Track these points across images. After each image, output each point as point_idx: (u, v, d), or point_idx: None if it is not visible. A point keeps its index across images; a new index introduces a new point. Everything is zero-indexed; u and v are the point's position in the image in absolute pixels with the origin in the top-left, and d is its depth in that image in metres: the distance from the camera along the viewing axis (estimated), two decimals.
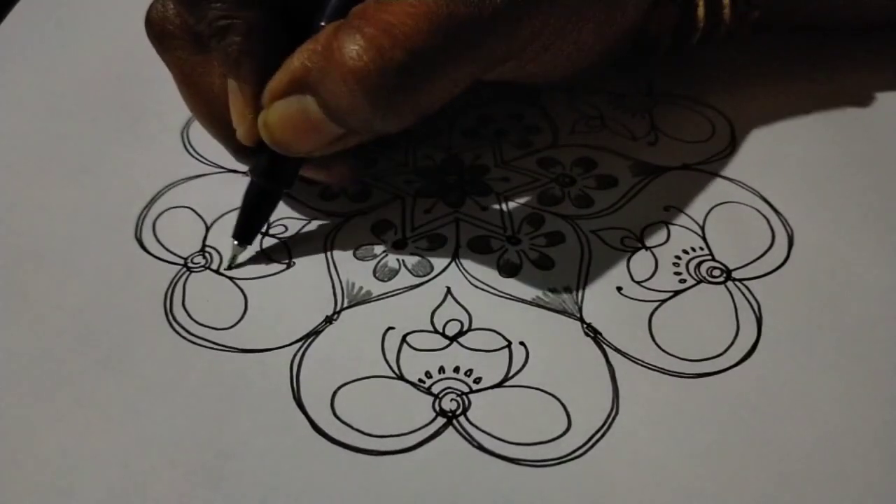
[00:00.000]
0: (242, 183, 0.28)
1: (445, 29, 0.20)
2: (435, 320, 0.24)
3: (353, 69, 0.20)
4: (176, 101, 0.32)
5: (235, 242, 0.25)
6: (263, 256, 0.26)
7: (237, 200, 0.26)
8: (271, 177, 0.25)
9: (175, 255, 0.26)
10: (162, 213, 0.27)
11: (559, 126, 0.31)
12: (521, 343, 0.23)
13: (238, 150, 0.25)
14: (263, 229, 0.27)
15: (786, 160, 0.29)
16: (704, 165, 0.29)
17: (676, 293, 0.25)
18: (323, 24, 0.22)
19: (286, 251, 0.26)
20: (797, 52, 0.34)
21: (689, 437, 0.21)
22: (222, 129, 0.25)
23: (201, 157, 0.30)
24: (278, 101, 0.22)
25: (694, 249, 0.26)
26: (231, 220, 0.27)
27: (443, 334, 0.24)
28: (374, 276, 0.25)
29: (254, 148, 0.24)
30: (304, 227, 0.27)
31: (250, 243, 0.26)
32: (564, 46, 0.25)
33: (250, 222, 0.25)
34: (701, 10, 0.29)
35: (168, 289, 0.25)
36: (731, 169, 0.29)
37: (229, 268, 0.26)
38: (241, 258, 0.26)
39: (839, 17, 0.32)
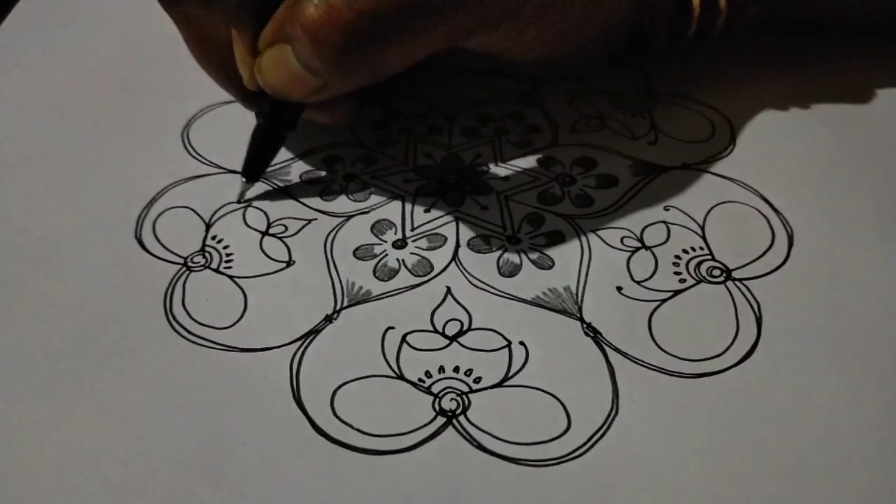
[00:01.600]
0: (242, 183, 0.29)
1: None
2: (435, 320, 0.24)
3: (305, 25, 0.22)
4: (176, 102, 0.32)
5: (244, 179, 0.28)
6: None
7: (237, 200, 0.26)
8: (275, 119, 0.26)
9: (175, 254, 0.26)
10: (162, 213, 0.27)
11: (559, 125, 0.31)
12: (521, 343, 0.23)
13: (244, 97, 0.27)
14: (263, 228, 0.27)
15: (786, 160, 0.29)
16: (704, 165, 0.29)
17: (676, 293, 0.25)
18: None
19: (286, 250, 0.26)
20: (797, 51, 0.34)
21: (689, 437, 0.21)
22: (229, 77, 0.27)
23: (201, 157, 0.30)
24: (268, 49, 0.24)
25: (694, 249, 0.26)
26: (231, 219, 0.27)
27: (443, 334, 0.24)
28: (374, 275, 0.25)
29: (259, 94, 0.26)
30: (304, 226, 0.27)
31: (257, 180, 0.28)
32: (548, 27, 0.26)
33: (257, 161, 0.27)
34: (696, 1, 0.29)
35: (168, 288, 0.25)
36: (731, 168, 0.29)
37: (238, 202, 0.28)
38: (249, 194, 0.28)
39: (836, 14, 0.32)
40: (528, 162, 0.29)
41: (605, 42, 0.29)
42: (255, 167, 0.28)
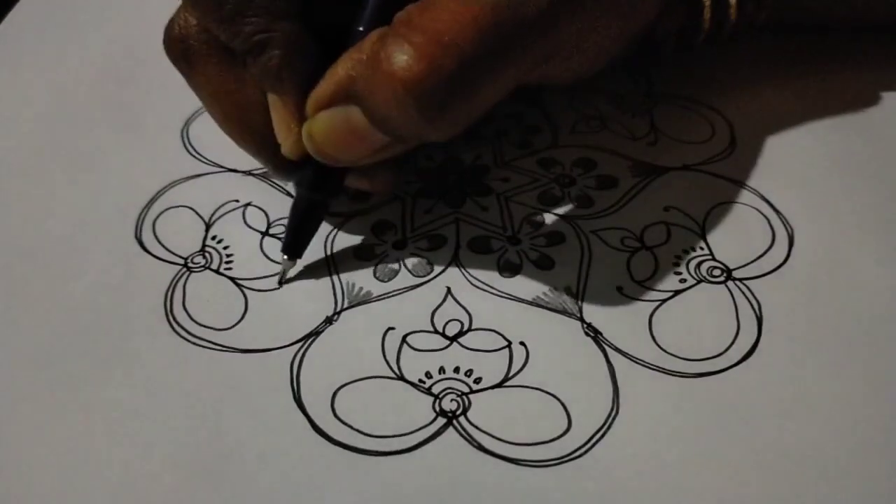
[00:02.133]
0: (242, 182, 0.29)
1: (492, 33, 0.20)
2: (435, 320, 0.24)
3: (404, 79, 0.19)
4: (176, 101, 0.32)
5: (285, 257, 0.25)
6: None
7: (237, 199, 0.25)
8: (318, 188, 0.24)
9: (175, 255, 0.26)
10: (162, 213, 0.27)
11: (559, 126, 0.31)
12: (522, 343, 0.23)
13: (279, 166, 0.25)
14: (264, 229, 0.27)
15: (786, 160, 0.29)
16: (704, 166, 0.29)
17: (677, 293, 0.25)
18: (361, 28, 0.22)
19: None
20: (797, 51, 0.34)
21: (690, 437, 0.21)
22: (261, 144, 0.24)
23: (201, 156, 0.30)
24: (323, 111, 0.22)
25: (694, 249, 0.26)
26: (231, 219, 0.27)
27: (443, 334, 0.24)
28: (375, 276, 0.25)
29: (297, 162, 0.24)
30: None
31: (300, 257, 0.25)
32: (590, 46, 0.25)
33: (300, 236, 0.25)
34: (707, 11, 0.29)
35: (168, 289, 0.25)
36: (731, 169, 0.29)
37: (280, 283, 0.25)
38: (291, 273, 0.25)
39: (846, 15, 0.32)
40: (528, 163, 0.29)
41: (625, 53, 0.29)
42: (298, 242, 0.25)
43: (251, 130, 0.24)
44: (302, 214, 0.25)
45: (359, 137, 0.22)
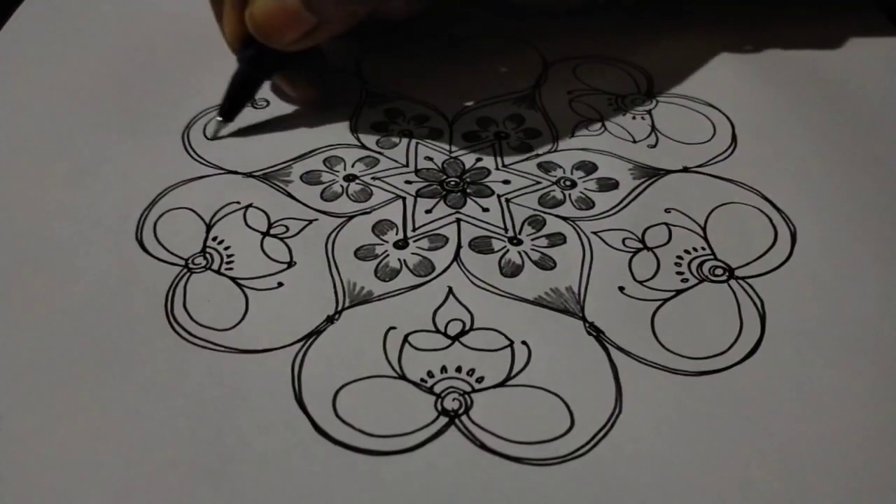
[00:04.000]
0: (243, 184, 0.29)
1: None
2: (436, 320, 0.24)
3: None
4: (177, 104, 0.32)
5: (219, 119, 0.31)
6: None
7: (238, 201, 0.26)
8: (254, 66, 0.30)
9: (176, 255, 0.26)
10: (163, 215, 0.27)
11: (559, 129, 0.31)
12: (524, 342, 0.23)
13: (231, 45, 0.30)
14: (264, 229, 0.27)
15: (788, 158, 0.29)
16: (706, 167, 0.29)
17: (679, 292, 0.25)
18: None
19: (287, 251, 0.26)
20: (797, 51, 0.34)
21: (693, 435, 0.21)
22: (222, 26, 0.30)
23: (202, 158, 0.30)
24: None
25: (696, 249, 0.26)
26: (232, 220, 0.27)
27: (444, 334, 0.24)
28: (376, 275, 0.25)
29: (243, 45, 0.29)
30: (305, 227, 0.27)
31: (232, 120, 0.31)
32: None
33: (234, 103, 0.31)
34: None
35: (169, 290, 0.25)
36: (733, 169, 0.29)
37: (211, 138, 0.31)
38: (223, 132, 0.31)
39: None
40: (529, 166, 0.29)
41: None
42: (231, 108, 0.31)
43: (218, 15, 0.30)
44: (239, 85, 0.30)
45: (291, 17, 0.26)
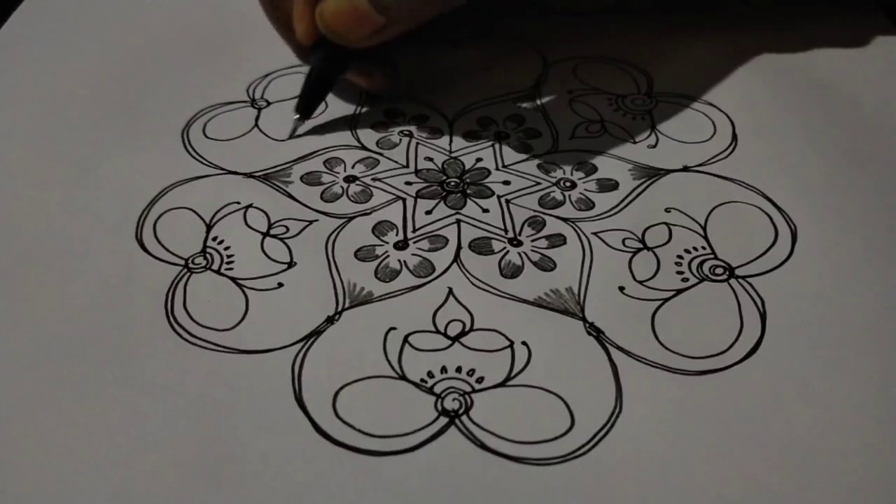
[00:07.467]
0: (243, 184, 0.29)
1: None
2: (437, 320, 0.24)
3: None
4: (177, 103, 0.32)
5: (297, 117, 0.31)
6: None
7: (238, 201, 0.26)
8: (328, 63, 0.30)
9: (176, 255, 0.26)
10: (163, 214, 0.27)
11: (559, 130, 0.31)
12: (524, 343, 0.23)
13: (299, 50, 0.31)
14: (264, 229, 0.27)
15: (788, 157, 0.29)
16: (706, 166, 0.29)
17: (679, 292, 0.25)
18: None
19: (287, 252, 0.26)
20: (797, 51, 0.34)
21: (693, 435, 0.21)
22: (286, 30, 0.30)
23: (202, 158, 0.30)
24: None
25: (696, 249, 0.26)
26: (232, 220, 0.27)
27: (445, 335, 0.24)
28: (376, 276, 0.25)
29: (313, 47, 0.29)
30: (305, 227, 0.27)
31: (309, 117, 0.31)
32: None
33: (310, 100, 0.31)
34: None
35: (169, 290, 0.25)
36: (733, 169, 0.29)
37: (290, 137, 0.31)
38: (301, 130, 0.31)
39: None
40: (529, 166, 0.29)
41: None
42: (308, 106, 0.31)
43: (280, 19, 0.30)
44: (314, 83, 0.30)
45: (361, 17, 0.27)
